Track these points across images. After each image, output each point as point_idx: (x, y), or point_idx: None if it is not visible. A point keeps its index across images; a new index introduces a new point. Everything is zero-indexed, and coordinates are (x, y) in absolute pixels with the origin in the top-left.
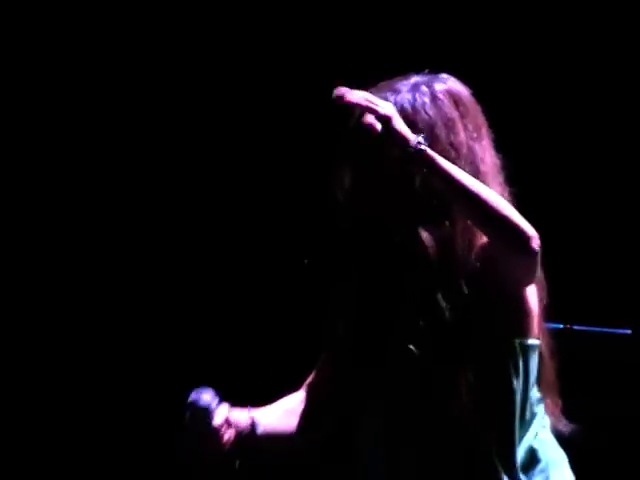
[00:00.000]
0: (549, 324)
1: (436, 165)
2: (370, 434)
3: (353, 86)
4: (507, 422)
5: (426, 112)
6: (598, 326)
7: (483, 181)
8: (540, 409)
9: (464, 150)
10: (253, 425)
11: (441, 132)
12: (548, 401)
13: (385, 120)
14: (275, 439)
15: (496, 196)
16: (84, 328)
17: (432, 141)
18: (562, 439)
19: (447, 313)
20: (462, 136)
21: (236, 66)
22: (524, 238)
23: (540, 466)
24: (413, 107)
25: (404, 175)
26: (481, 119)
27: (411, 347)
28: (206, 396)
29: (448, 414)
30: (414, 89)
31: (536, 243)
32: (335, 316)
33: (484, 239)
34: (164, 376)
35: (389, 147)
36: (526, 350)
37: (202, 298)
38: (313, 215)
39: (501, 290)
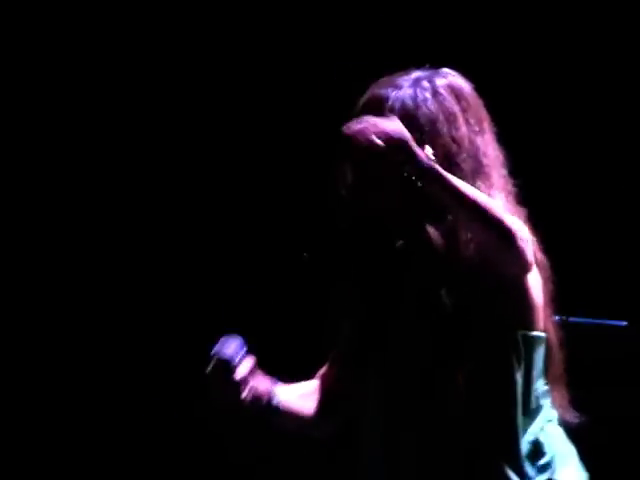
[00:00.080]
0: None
1: (446, 182)
2: (371, 432)
3: (353, 86)
4: (508, 414)
5: (427, 107)
6: (594, 318)
7: (485, 174)
8: (546, 402)
9: (466, 144)
10: (270, 395)
11: (443, 126)
12: (555, 394)
13: (398, 143)
14: (288, 417)
15: (490, 201)
16: (84, 328)
17: (434, 135)
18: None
19: (449, 308)
20: (464, 130)
21: (236, 66)
22: (509, 236)
23: (546, 459)
24: (415, 102)
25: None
26: (483, 113)
27: (412, 343)
28: (231, 347)
29: (449, 408)
30: (415, 84)
31: (519, 240)
32: (339, 315)
33: None
34: (164, 376)
35: (398, 164)
36: (529, 342)
37: (202, 296)
38: (314, 215)
39: (500, 282)
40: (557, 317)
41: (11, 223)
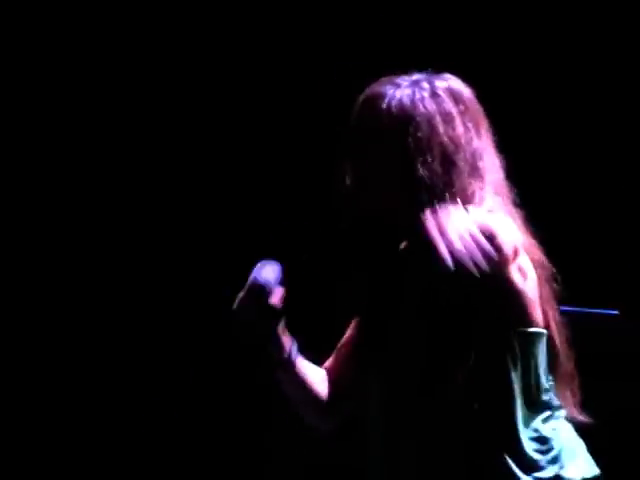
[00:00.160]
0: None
1: None
2: (371, 432)
3: (353, 86)
4: (507, 410)
5: (424, 106)
6: (584, 307)
7: (480, 176)
8: (551, 397)
9: (462, 145)
10: (292, 347)
11: (439, 125)
12: (565, 392)
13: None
14: (298, 381)
15: None
16: (84, 328)
17: (431, 133)
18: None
19: (448, 308)
20: (460, 131)
21: (236, 66)
22: None
23: (552, 454)
24: (412, 101)
25: (404, 165)
26: (481, 118)
27: (411, 343)
28: (269, 272)
29: (448, 407)
30: (415, 84)
31: None
32: (349, 309)
33: None
34: (164, 376)
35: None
36: (526, 338)
37: (202, 296)
38: (315, 214)
39: (493, 281)
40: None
41: (11, 223)
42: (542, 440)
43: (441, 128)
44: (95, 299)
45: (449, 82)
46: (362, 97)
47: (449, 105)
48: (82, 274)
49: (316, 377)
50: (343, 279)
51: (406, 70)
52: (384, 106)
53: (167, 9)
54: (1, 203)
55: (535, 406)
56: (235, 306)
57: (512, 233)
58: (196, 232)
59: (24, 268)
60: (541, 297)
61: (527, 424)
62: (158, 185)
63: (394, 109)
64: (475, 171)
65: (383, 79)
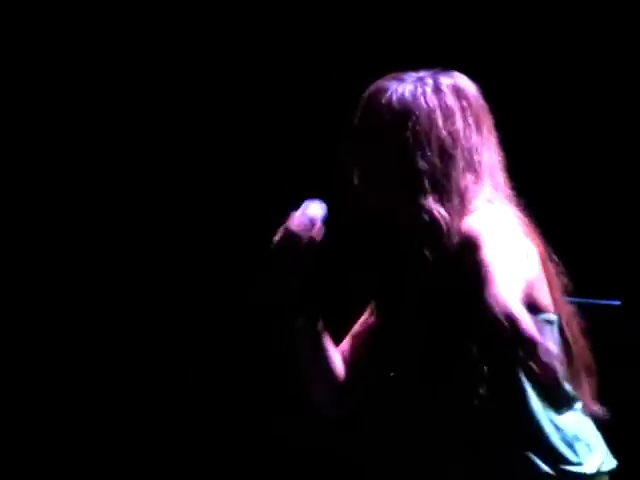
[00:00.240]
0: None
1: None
2: (376, 430)
3: (353, 86)
4: (520, 403)
5: (426, 101)
6: (587, 297)
7: (476, 171)
8: (568, 389)
9: (461, 139)
10: (318, 314)
11: (439, 119)
12: (578, 381)
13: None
14: (319, 357)
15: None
16: (84, 327)
17: (430, 126)
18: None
19: (448, 306)
20: (460, 126)
21: (236, 66)
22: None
23: (576, 446)
24: (413, 95)
25: (403, 159)
26: (484, 115)
27: (411, 343)
28: (314, 210)
29: (454, 406)
30: (419, 80)
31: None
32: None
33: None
34: (164, 376)
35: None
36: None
37: (202, 296)
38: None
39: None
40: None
41: (11, 223)
42: (564, 432)
43: (440, 122)
44: (95, 299)
45: (454, 79)
46: (367, 92)
47: (451, 100)
48: (82, 274)
49: (335, 355)
50: (354, 269)
51: (405, 68)
52: (385, 101)
53: (167, 9)
54: (1, 203)
55: (552, 398)
56: (276, 239)
57: (510, 222)
58: (196, 232)
59: (24, 268)
60: (550, 285)
61: (546, 416)
62: (158, 185)
63: (395, 103)
64: (471, 165)
65: (389, 75)
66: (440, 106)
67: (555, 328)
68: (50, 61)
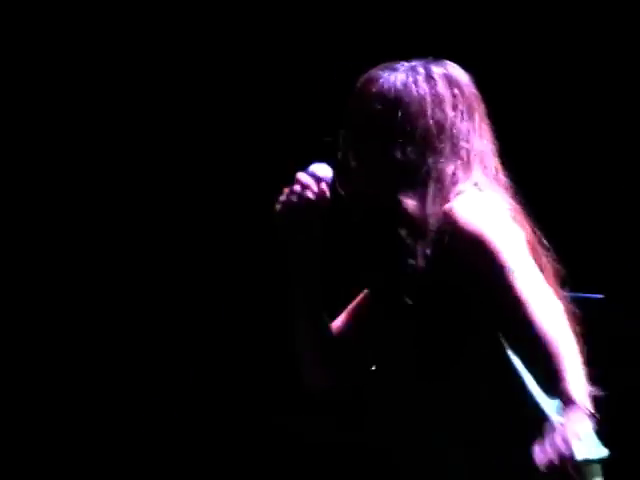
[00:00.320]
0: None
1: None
2: (379, 423)
3: (353, 86)
4: (518, 392)
5: (416, 88)
6: (571, 291)
7: (464, 159)
8: None
9: (447, 127)
10: (319, 287)
11: (427, 108)
12: None
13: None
14: (315, 329)
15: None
16: (84, 327)
17: (416, 115)
18: None
19: (445, 305)
20: (448, 114)
21: (236, 66)
22: None
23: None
24: (404, 84)
25: (388, 147)
26: (476, 104)
27: (407, 341)
28: (321, 170)
29: (451, 394)
30: (411, 69)
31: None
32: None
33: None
34: (164, 376)
35: None
36: None
37: (202, 296)
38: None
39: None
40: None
41: (11, 223)
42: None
43: (429, 110)
44: (95, 299)
45: (446, 67)
46: (359, 81)
47: (442, 88)
48: (82, 275)
49: (327, 328)
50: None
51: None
52: (377, 89)
53: (167, 9)
54: (1, 203)
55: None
56: (282, 197)
57: (496, 206)
58: (196, 233)
59: (24, 269)
60: (542, 270)
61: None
62: (158, 184)
63: (386, 92)
64: (458, 152)
65: (383, 64)
66: (430, 94)
67: None
68: (50, 61)
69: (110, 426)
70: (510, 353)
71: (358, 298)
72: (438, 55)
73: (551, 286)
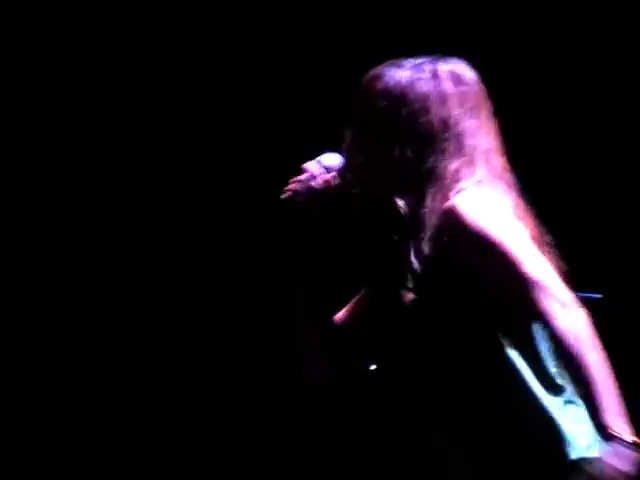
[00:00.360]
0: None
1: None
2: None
3: (353, 86)
4: (521, 391)
5: (421, 85)
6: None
7: (468, 156)
8: (565, 381)
9: (452, 125)
10: (318, 278)
11: (432, 105)
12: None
13: None
14: (315, 319)
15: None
16: (84, 327)
17: (420, 112)
18: None
19: (448, 301)
20: (453, 111)
21: (236, 66)
22: None
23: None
24: (409, 81)
25: (391, 145)
26: (482, 101)
27: (410, 338)
28: (332, 159)
29: (453, 388)
30: (417, 66)
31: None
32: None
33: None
34: (164, 376)
35: None
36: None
37: (202, 296)
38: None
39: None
40: None
41: (11, 223)
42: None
43: (434, 108)
44: (95, 299)
45: (452, 65)
46: (365, 77)
47: (448, 85)
48: (82, 275)
49: (327, 317)
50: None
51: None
52: (382, 86)
53: (167, 9)
54: (1, 203)
55: (554, 387)
56: (290, 184)
57: (498, 202)
58: (196, 233)
59: (24, 269)
60: None
61: (546, 400)
62: (157, 185)
63: (391, 89)
64: (461, 150)
65: (388, 61)
66: (436, 91)
67: None
68: (50, 61)
69: (110, 426)
70: (510, 352)
71: (357, 296)
72: (444, 53)
73: None
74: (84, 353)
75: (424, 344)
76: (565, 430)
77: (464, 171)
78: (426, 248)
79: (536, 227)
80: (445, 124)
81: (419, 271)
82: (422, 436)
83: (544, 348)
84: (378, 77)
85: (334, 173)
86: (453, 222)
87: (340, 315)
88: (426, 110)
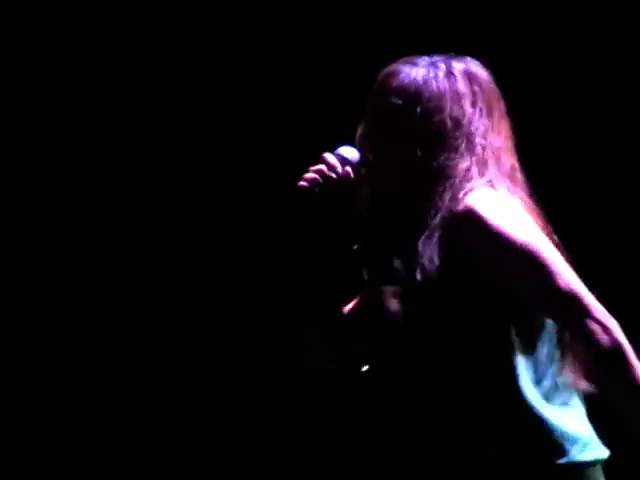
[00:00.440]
0: None
1: None
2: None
3: (353, 86)
4: (515, 393)
5: (436, 84)
6: None
7: (479, 155)
8: (564, 381)
9: (465, 124)
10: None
11: (446, 104)
12: (569, 363)
13: None
14: (327, 303)
15: None
16: (84, 327)
17: (434, 111)
18: None
19: (452, 301)
20: (466, 110)
21: (236, 66)
22: None
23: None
24: (424, 79)
25: (406, 143)
26: (496, 102)
27: (414, 337)
28: (348, 153)
29: (454, 392)
30: (431, 64)
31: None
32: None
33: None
34: (164, 376)
35: None
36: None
37: (202, 296)
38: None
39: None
40: None
41: (11, 223)
42: (557, 423)
43: (448, 106)
44: (95, 299)
45: (467, 64)
46: (380, 75)
47: (462, 85)
48: (82, 274)
49: (338, 306)
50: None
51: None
52: (397, 84)
53: (167, 9)
54: (1, 203)
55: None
56: (307, 174)
57: (509, 202)
58: (196, 232)
59: (24, 269)
60: None
61: (542, 407)
62: (157, 185)
63: (406, 86)
64: (473, 149)
65: (403, 59)
66: (450, 90)
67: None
68: (50, 61)
69: (110, 426)
70: (513, 352)
71: (363, 292)
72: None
73: None
74: (84, 353)
75: (428, 343)
76: (562, 431)
77: (475, 170)
78: (434, 247)
79: (545, 227)
80: (458, 123)
81: (427, 269)
82: (422, 436)
83: (546, 351)
84: (393, 74)
85: (351, 166)
86: (464, 221)
87: (347, 307)
88: (440, 109)
